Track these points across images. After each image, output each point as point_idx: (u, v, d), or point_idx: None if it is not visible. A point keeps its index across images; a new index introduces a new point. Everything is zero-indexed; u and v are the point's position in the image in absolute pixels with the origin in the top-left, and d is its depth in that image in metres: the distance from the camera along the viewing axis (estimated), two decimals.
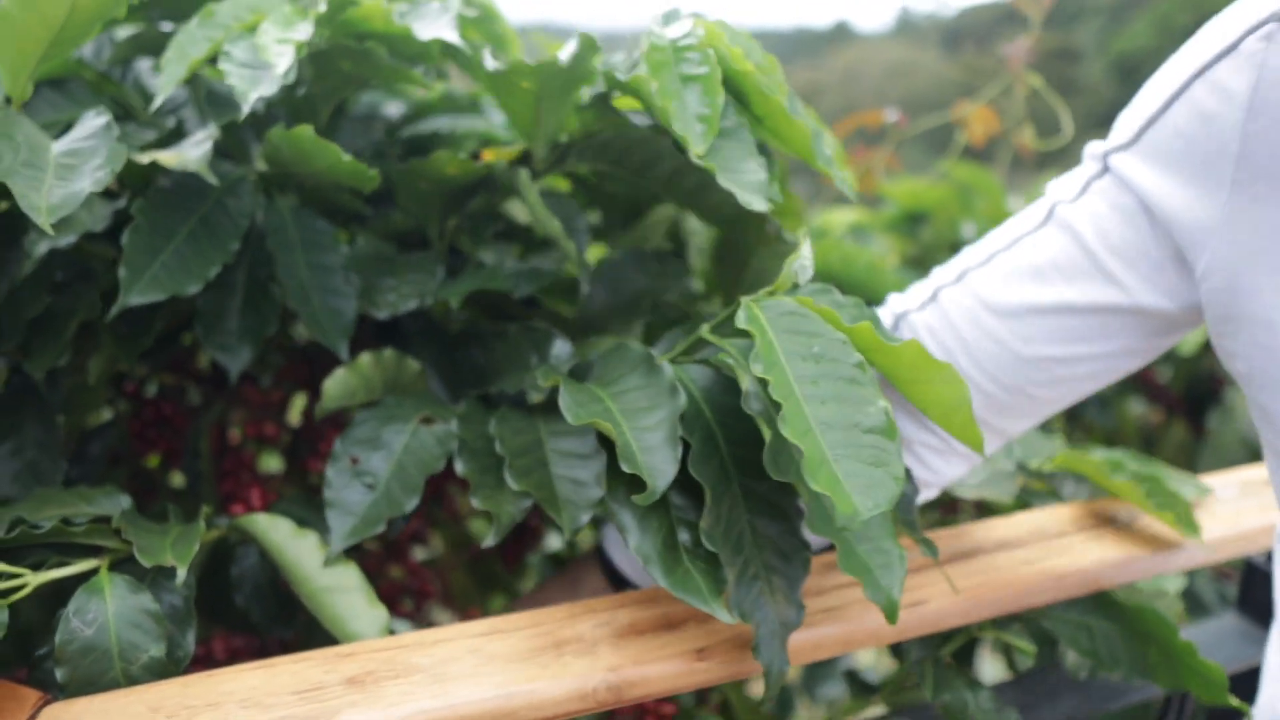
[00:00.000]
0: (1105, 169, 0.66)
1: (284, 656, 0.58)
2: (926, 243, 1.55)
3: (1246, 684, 0.94)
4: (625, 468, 0.56)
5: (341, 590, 0.63)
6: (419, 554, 1.16)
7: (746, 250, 0.87)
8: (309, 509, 0.74)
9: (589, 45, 0.66)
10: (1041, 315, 0.67)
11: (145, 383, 0.92)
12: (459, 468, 0.63)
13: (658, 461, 0.57)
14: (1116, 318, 0.66)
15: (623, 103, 0.73)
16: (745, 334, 0.55)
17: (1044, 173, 1.73)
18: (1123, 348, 0.68)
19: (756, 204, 0.60)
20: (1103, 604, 0.76)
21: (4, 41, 0.58)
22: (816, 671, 1.42)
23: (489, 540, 0.59)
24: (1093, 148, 0.67)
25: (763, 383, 0.51)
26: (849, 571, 0.57)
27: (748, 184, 0.60)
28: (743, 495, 0.59)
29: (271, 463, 1.07)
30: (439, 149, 0.76)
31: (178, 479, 0.98)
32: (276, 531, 0.65)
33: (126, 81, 0.82)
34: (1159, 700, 0.90)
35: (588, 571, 0.84)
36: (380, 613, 0.62)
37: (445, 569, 1.11)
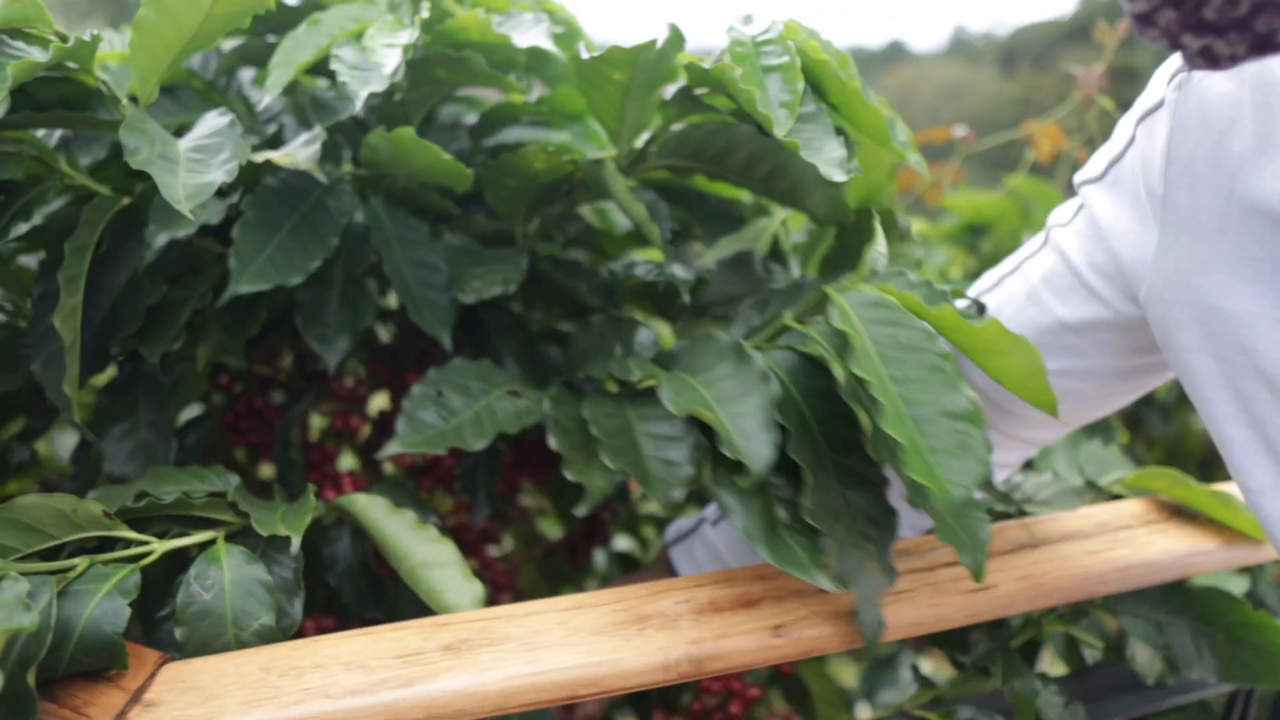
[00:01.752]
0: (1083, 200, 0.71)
1: (384, 625, 0.61)
2: (986, 254, 1.57)
3: None
4: (728, 454, 0.59)
5: (439, 565, 0.66)
6: (492, 551, 1.19)
7: (857, 251, 0.90)
8: (400, 493, 0.78)
9: (677, 36, 0.70)
10: (1040, 333, 0.73)
11: (239, 377, 0.96)
12: (552, 443, 0.66)
13: (756, 446, 0.60)
14: (1106, 332, 0.70)
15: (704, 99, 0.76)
16: (827, 320, 0.59)
17: None
18: (1118, 362, 0.72)
19: (836, 175, 0.63)
20: (1171, 597, 0.78)
21: (140, 45, 0.63)
22: (877, 677, 1.43)
23: (581, 509, 0.63)
24: (1077, 177, 0.73)
25: (860, 380, 0.54)
26: (947, 538, 0.61)
27: (829, 160, 0.63)
28: (835, 470, 0.62)
29: (347, 461, 1.11)
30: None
31: (266, 471, 1.02)
32: (375, 509, 0.68)
33: (230, 91, 0.88)
34: (1223, 697, 0.91)
35: (657, 577, 0.88)
36: (476, 586, 0.65)
37: (515, 565, 1.15)
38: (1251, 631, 0.77)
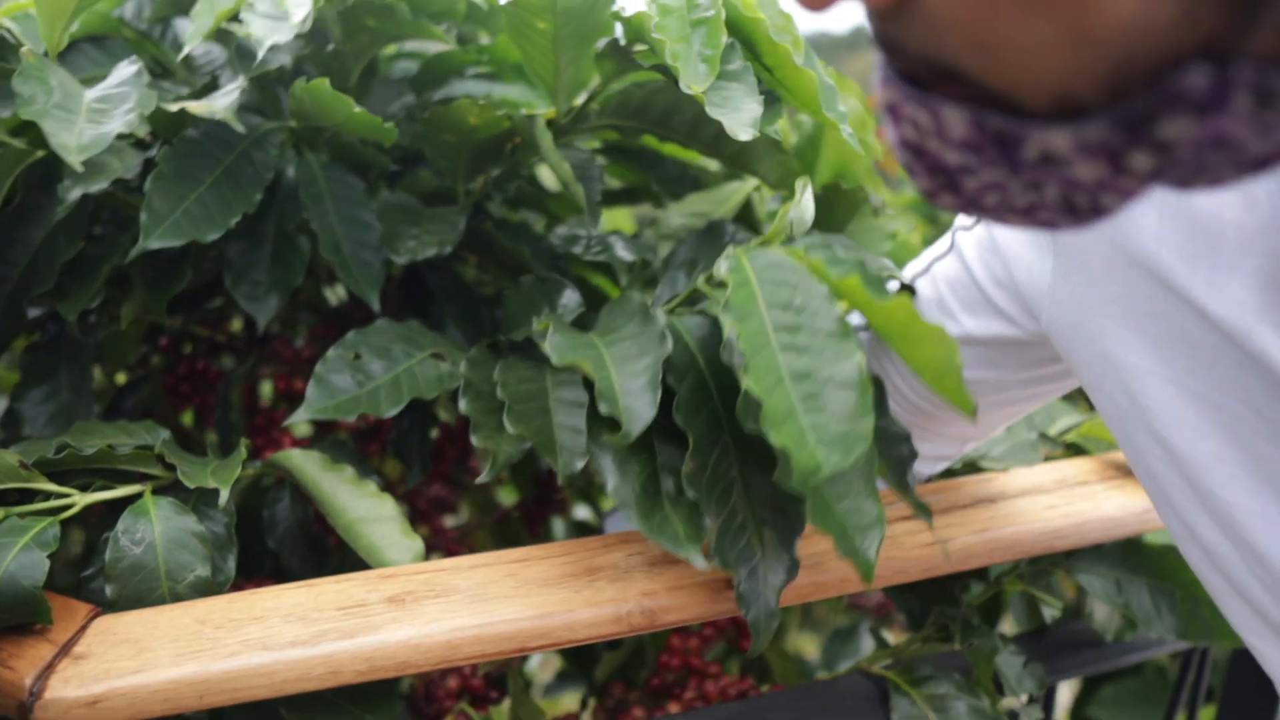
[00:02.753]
0: None
1: (326, 578, 0.59)
2: (945, 224, 1.56)
3: None
4: (602, 409, 0.56)
5: (378, 520, 0.64)
6: (448, 521, 1.17)
7: (838, 225, 0.87)
8: (340, 452, 0.76)
9: None
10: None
11: (180, 339, 0.93)
12: (462, 406, 0.64)
13: (637, 405, 0.57)
14: (1016, 347, 0.66)
15: (640, 57, 0.74)
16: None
17: None
18: (1036, 373, 0.68)
19: (743, 134, 0.60)
20: (1130, 556, 0.77)
21: None
22: (837, 649, 1.43)
23: (484, 476, 0.61)
24: None
25: (737, 334, 0.51)
26: (821, 527, 0.55)
27: (740, 119, 0.61)
28: (735, 446, 0.59)
29: (303, 427, 1.08)
30: None
31: (212, 438, 1.00)
32: (311, 464, 0.66)
33: (165, 41, 0.84)
34: (1176, 658, 0.91)
35: None
36: (415, 542, 0.63)
37: (470, 531, 1.13)
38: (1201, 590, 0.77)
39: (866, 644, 1.41)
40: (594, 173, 0.76)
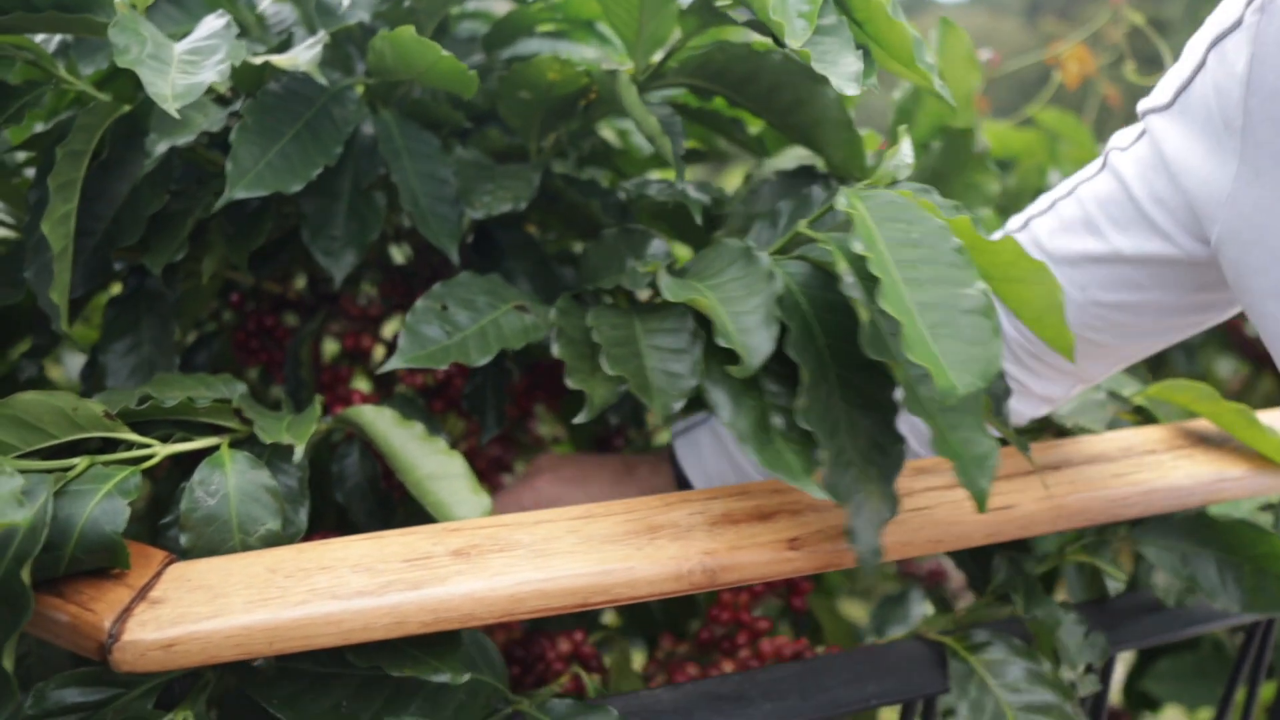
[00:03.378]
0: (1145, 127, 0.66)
1: (392, 530, 0.60)
2: (1011, 189, 1.53)
3: None
4: (721, 343, 0.57)
5: (446, 477, 0.65)
6: (505, 479, 1.19)
7: (948, 177, 0.87)
8: (411, 408, 0.77)
9: None
10: (1095, 263, 0.68)
11: (251, 296, 0.95)
12: (555, 350, 0.65)
13: (754, 340, 0.58)
14: (1168, 268, 0.66)
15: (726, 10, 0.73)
16: (843, 229, 0.56)
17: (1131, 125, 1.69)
18: (1179, 299, 0.67)
19: (849, 89, 0.60)
20: (1197, 529, 0.76)
21: None
22: (886, 614, 1.43)
23: (580, 417, 0.62)
24: (1141, 104, 0.67)
25: (861, 260, 0.51)
26: (943, 453, 0.56)
27: (844, 73, 0.60)
28: (839, 385, 0.60)
29: (362, 384, 1.10)
30: None
31: (277, 393, 1.02)
32: (382, 421, 0.67)
33: (239, 2, 0.86)
34: (1237, 634, 0.90)
35: (649, 469, 0.86)
36: (484, 499, 0.65)
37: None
38: (1278, 562, 0.76)
39: (916, 611, 1.41)
40: (677, 127, 0.76)
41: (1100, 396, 0.80)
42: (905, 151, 0.59)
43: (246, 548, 0.59)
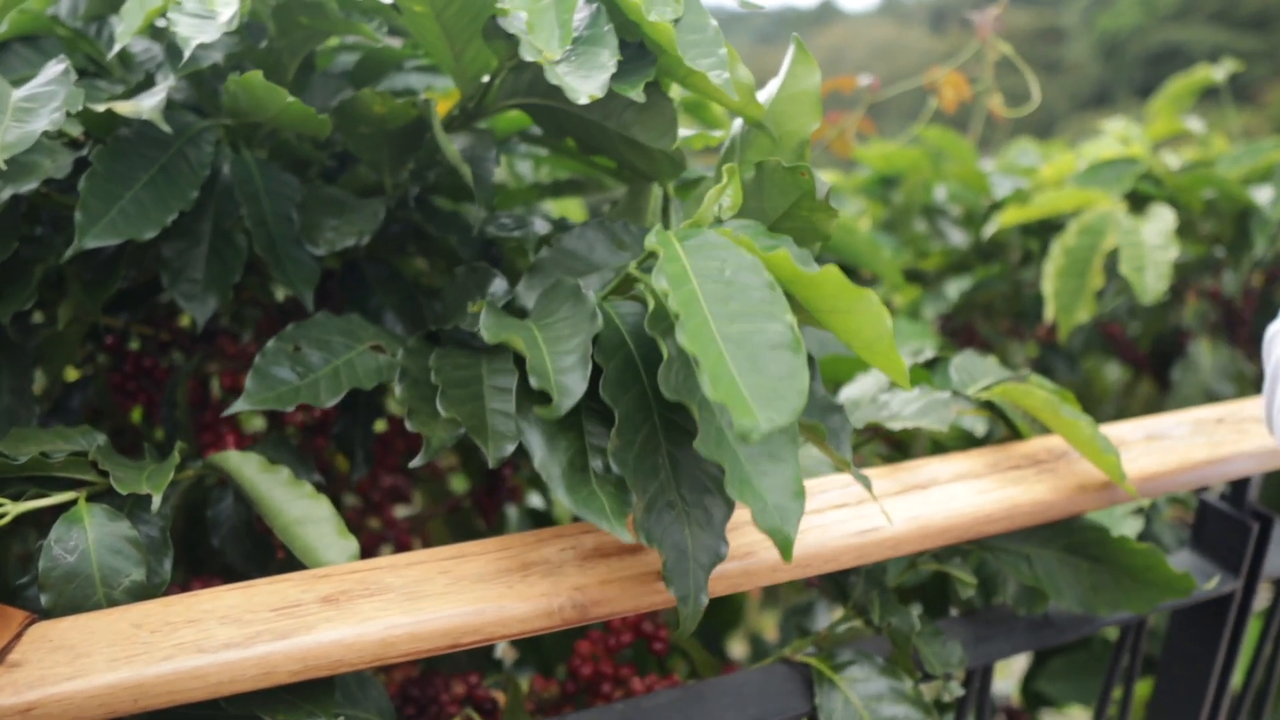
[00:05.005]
0: None
1: (262, 579, 0.60)
2: (899, 206, 1.57)
3: (1202, 616, 0.97)
4: (534, 383, 0.57)
5: (313, 521, 0.65)
6: (402, 511, 1.18)
7: (768, 213, 0.86)
8: (283, 450, 0.76)
9: None
10: None
11: (126, 337, 0.93)
12: (397, 392, 0.65)
13: (568, 380, 0.58)
14: None
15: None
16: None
17: (1016, 139, 1.75)
18: None
19: (582, 98, 0.60)
20: (1039, 529, 0.79)
21: None
22: (793, 626, 1.45)
23: (418, 460, 0.62)
24: None
25: (665, 295, 0.52)
26: (740, 498, 0.55)
27: (585, 83, 0.61)
28: (663, 426, 0.60)
29: (256, 422, 1.09)
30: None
31: (161, 434, 1.00)
32: (248, 466, 0.67)
33: (101, 39, 0.84)
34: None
35: None
36: (350, 543, 0.64)
37: (424, 522, 1.14)
38: (1119, 557, 0.79)
39: (823, 620, 1.43)
40: (488, 154, 0.76)
41: (944, 395, 0.81)
42: (732, 189, 0.60)
43: (112, 602, 0.59)
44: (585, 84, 0.61)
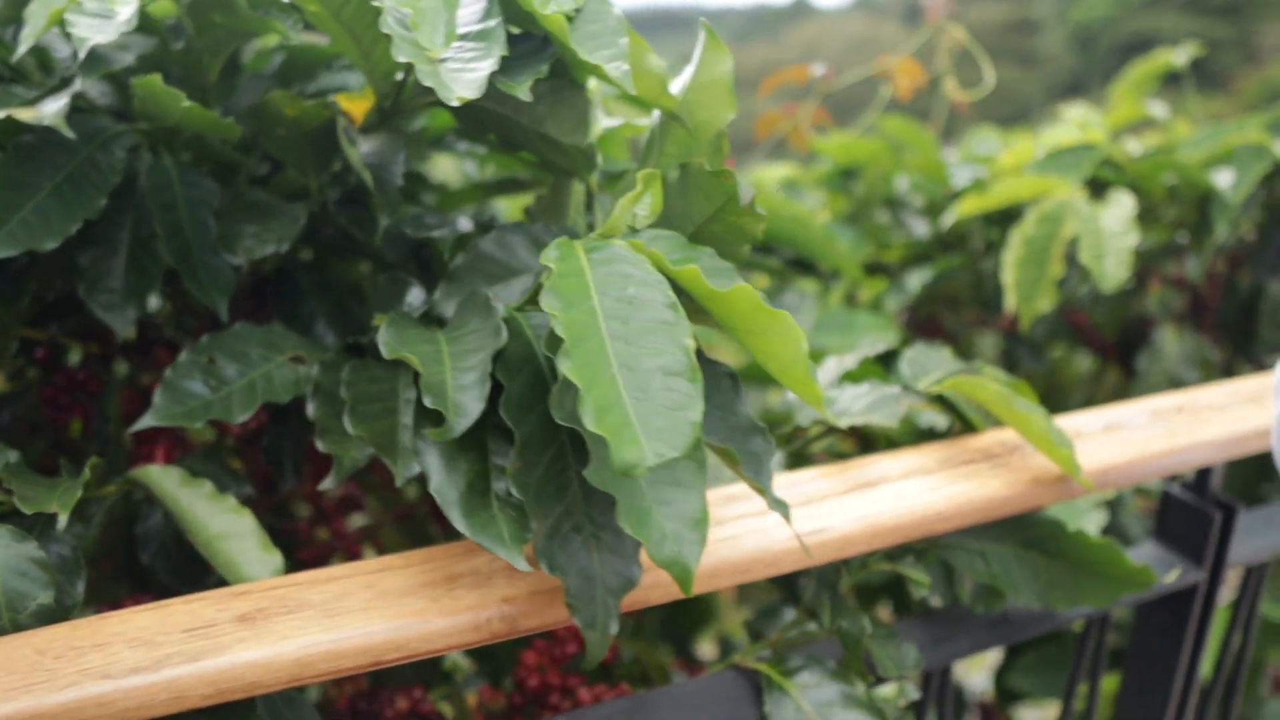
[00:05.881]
0: None
1: (177, 598, 0.58)
2: (860, 198, 1.56)
3: (1167, 608, 0.96)
4: (428, 402, 0.55)
5: (235, 536, 0.63)
6: (359, 520, 1.15)
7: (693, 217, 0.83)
8: (212, 463, 0.74)
9: None
10: None
11: (61, 349, 0.91)
12: (310, 410, 0.63)
13: (465, 399, 0.56)
14: None
15: None
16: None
17: (978, 125, 1.74)
18: None
19: (453, 99, 0.58)
20: (994, 526, 0.77)
21: None
22: (761, 626, 1.43)
23: (327, 483, 0.60)
24: None
25: (554, 317, 0.50)
26: (634, 531, 0.53)
27: (460, 81, 0.59)
28: (573, 446, 0.57)
29: (208, 433, 1.06)
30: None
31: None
32: (168, 480, 0.64)
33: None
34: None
35: None
36: (274, 557, 0.62)
37: (376, 530, 1.11)
38: (1076, 551, 0.78)
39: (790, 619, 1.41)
40: (396, 156, 0.73)
41: (894, 390, 0.79)
42: (648, 197, 0.58)
43: (18, 627, 0.56)
44: (458, 84, 0.59)
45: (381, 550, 1.12)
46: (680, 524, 0.54)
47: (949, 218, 1.38)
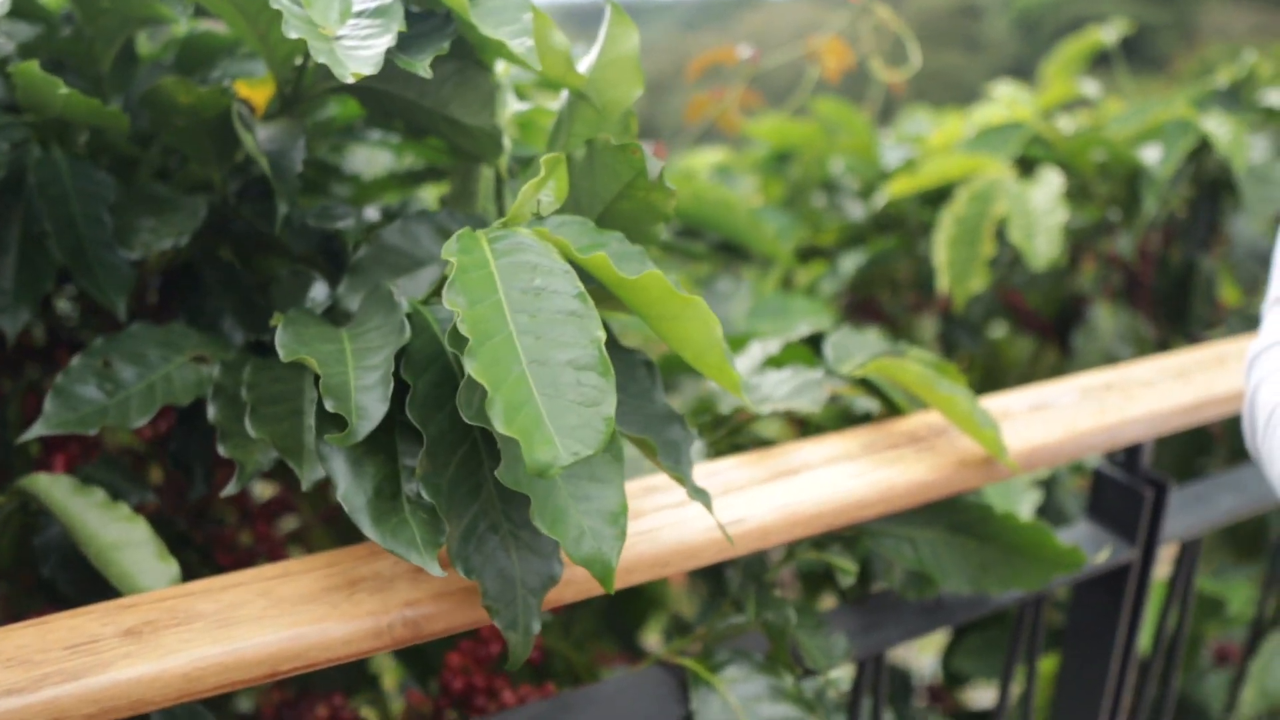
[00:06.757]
0: None
1: (61, 613, 0.55)
2: (796, 181, 1.54)
3: (1102, 587, 0.95)
4: (329, 405, 0.53)
5: (129, 546, 0.60)
6: (291, 522, 1.12)
7: (602, 196, 0.80)
8: (111, 469, 0.71)
9: None
10: None
11: None
12: (210, 413, 0.60)
13: (368, 400, 0.53)
14: None
15: None
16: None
17: (910, 105, 1.73)
18: None
19: (348, 76, 0.56)
20: (921, 511, 0.76)
21: None
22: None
23: (228, 489, 0.57)
24: None
25: (457, 314, 0.48)
26: (550, 531, 0.51)
27: (355, 57, 0.57)
28: (485, 443, 0.55)
29: (125, 437, 1.02)
30: None
31: None
32: (58, 489, 0.62)
33: None
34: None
35: None
36: (170, 567, 0.59)
37: (307, 530, 1.08)
38: (1005, 534, 0.77)
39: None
40: (294, 145, 0.70)
41: (816, 375, 0.78)
42: (552, 182, 0.56)
43: None
44: (353, 61, 0.56)
45: (311, 552, 1.09)
46: (598, 520, 0.53)
47: (880, 199, 1.37)
